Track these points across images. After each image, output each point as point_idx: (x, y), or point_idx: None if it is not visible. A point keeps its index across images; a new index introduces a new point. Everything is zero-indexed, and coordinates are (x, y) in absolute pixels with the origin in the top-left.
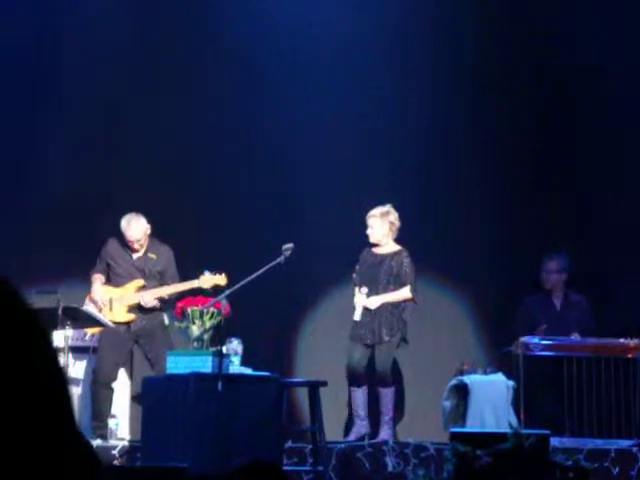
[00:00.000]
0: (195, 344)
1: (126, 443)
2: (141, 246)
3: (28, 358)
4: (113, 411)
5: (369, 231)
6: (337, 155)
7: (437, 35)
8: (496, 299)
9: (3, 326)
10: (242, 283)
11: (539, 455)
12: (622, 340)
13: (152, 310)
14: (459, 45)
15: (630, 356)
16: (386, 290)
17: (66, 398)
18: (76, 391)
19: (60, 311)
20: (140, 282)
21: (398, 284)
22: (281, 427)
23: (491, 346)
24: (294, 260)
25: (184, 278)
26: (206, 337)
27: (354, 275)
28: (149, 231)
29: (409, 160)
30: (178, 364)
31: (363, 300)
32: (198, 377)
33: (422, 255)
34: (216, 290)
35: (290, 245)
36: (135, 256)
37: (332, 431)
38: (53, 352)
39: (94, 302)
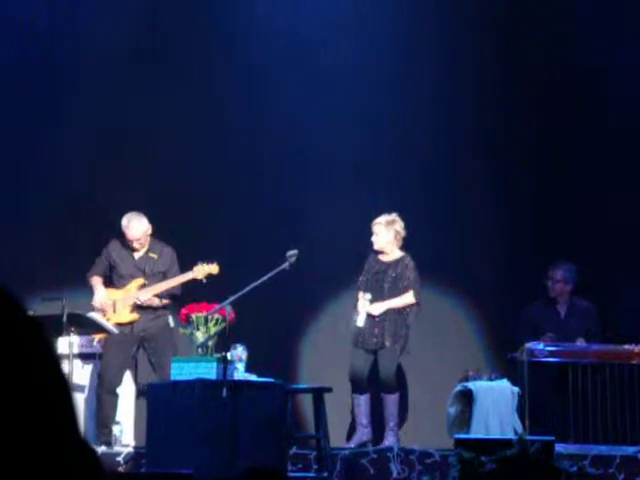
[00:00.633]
0: (199, 350)
1: (131, 449)
2: (141, 245)
3: (28, 365)
4: (117, 418)
5: (374, 238)
6: (341, 159)
7: (440, 35)
8: (501, 305)
9: (1, 333)
10: (246, 289)
11: (544, 461)
12: (627, 346)
13: (156, 312)
14: (461, 45)
15: (635, 362)
16: (390, 297)
17: (69, 405)
18: (81, 398)
19: (65, 318)
20: (140, 281)
21: (402, 290)
22: (285, 433)
23: (496, 352)
24: (298, 266)
25: None
26: (210, 343)
27: (359, 281)
28: (150, 231)
29: (413, 165)
30: (183, 370)
31: (367, 306)
32: (203, 383)
33: (426, 261)
34: (220, 296)
35: (295, 251)
36: (136, 256)
37: (337, 437)
38: (55, 359)
39: (101, 310)
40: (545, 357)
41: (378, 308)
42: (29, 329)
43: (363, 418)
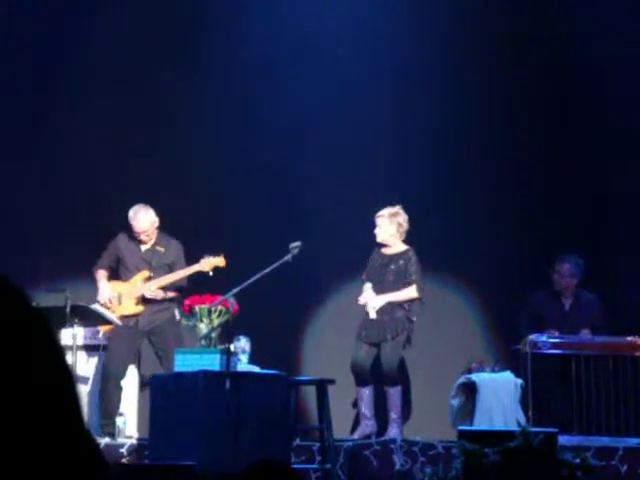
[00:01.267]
0: (203, 342)
1: (134, 441)
2: (148, 237)
3: (32, 356)
4: (121, 409)
5: (377, 230)
6: (345, 153)
7: (442, 35)
8: (504, 297)
9: (2, 323)
10: (250, 281)
11: (547, 453)
12: (630, 338)
13: (162, 305)
14: (463, 45)
15: (638, 354)
16: (393, 290)
17: (73, 396)
18: (85, 389)
19: (68, 309)
20: (146, 273)
21: (405, 283)
22: (289, 425)
23: (499, 344)
24: (302, 258)
25: None
26: (214, 335)
27: (363, 275)
28: (157, 224)
29: (418, 158)
30: (186, 362)
31: (371, 296)
32: (206, 375)
33: (430, 254)
34: (224, 288)
35: (298, 243)
36: (143, 248)
37: (340, 429)
38: (59, 350)
39: (105, 305)
40: (548, 349)
41: (379, 301)
42: (33, 320)
43: (367, 411)
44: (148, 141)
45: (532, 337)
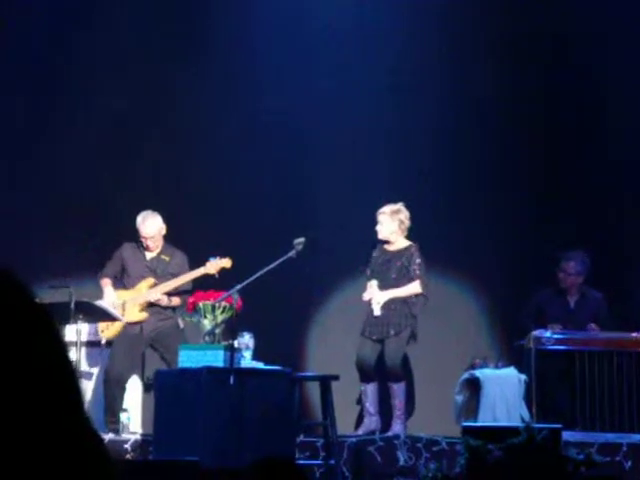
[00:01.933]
0: (207, 338)
1: (138, 437)
2: (154, 244)
3: (36, 351)
4: (125, 405)
5: (378, 227)
6: (348, 151)
7: (442, 35)
8: (508, 293)
9: (6, 318)
10: (254, 277)
11: (551, 449)
12: (634, 334)
13: (166, 312)
14: (463, 45)
15: None
16: (396, 286)
17: (76, 392)
18: (89, 385)
19: (72, 305)
20: (151, 281)
21: (408, 279)
22: (293, 421)
23: (503, 340)
24: (306, 254)
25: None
26: (218, 331)
27: (367, 271)
28: (164, 231)
29: (420, 156)
30: (190, 358)
31: (376, 293)
32: (210, 371)
33: (433, 250)
34: (228, 284)
35: (302, 239)
36: (149, 256)
37: (344, 425)
38: (62, 345)
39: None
40: (552, 345)
41: (383, 297)
42: (37, 316)
43: (371, 407)
44: (148, 141)
45: (536, 333)
